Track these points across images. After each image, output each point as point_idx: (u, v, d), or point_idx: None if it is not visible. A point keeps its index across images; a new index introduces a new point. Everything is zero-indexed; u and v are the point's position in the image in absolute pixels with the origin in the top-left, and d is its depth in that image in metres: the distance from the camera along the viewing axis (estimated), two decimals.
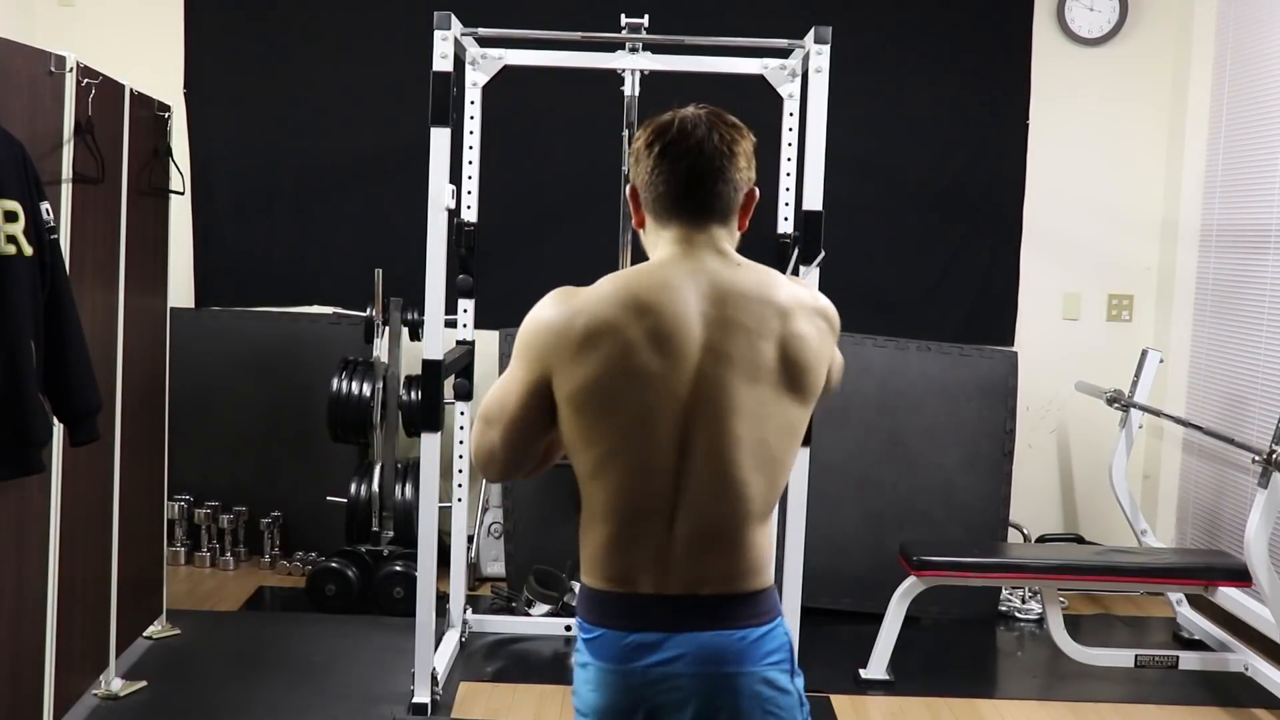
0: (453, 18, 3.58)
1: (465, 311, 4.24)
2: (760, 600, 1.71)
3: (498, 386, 1.75)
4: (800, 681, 1.74)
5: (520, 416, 1.71)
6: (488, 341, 4.68)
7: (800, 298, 1.72)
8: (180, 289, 4.87)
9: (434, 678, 3.63)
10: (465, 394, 4.29)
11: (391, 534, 4.67)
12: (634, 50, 4.03)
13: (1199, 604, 4.45)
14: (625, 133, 4.12)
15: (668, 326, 1.65)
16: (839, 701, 3.85)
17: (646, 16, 3.97)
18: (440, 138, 3.53)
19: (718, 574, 1.68)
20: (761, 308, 1.68)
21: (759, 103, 4.12)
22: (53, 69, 3.06)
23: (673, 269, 1.70)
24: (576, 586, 4.38)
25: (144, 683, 3.71)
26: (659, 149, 1.72)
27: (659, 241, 1.76)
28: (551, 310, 1.70)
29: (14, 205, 2.71)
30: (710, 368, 1.65)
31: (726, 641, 1.67)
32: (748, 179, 1.76)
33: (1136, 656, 4.00)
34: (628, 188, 1.81)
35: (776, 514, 1.78)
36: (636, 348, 1.64)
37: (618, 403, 1.65)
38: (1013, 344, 5.18)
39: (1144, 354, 4.69)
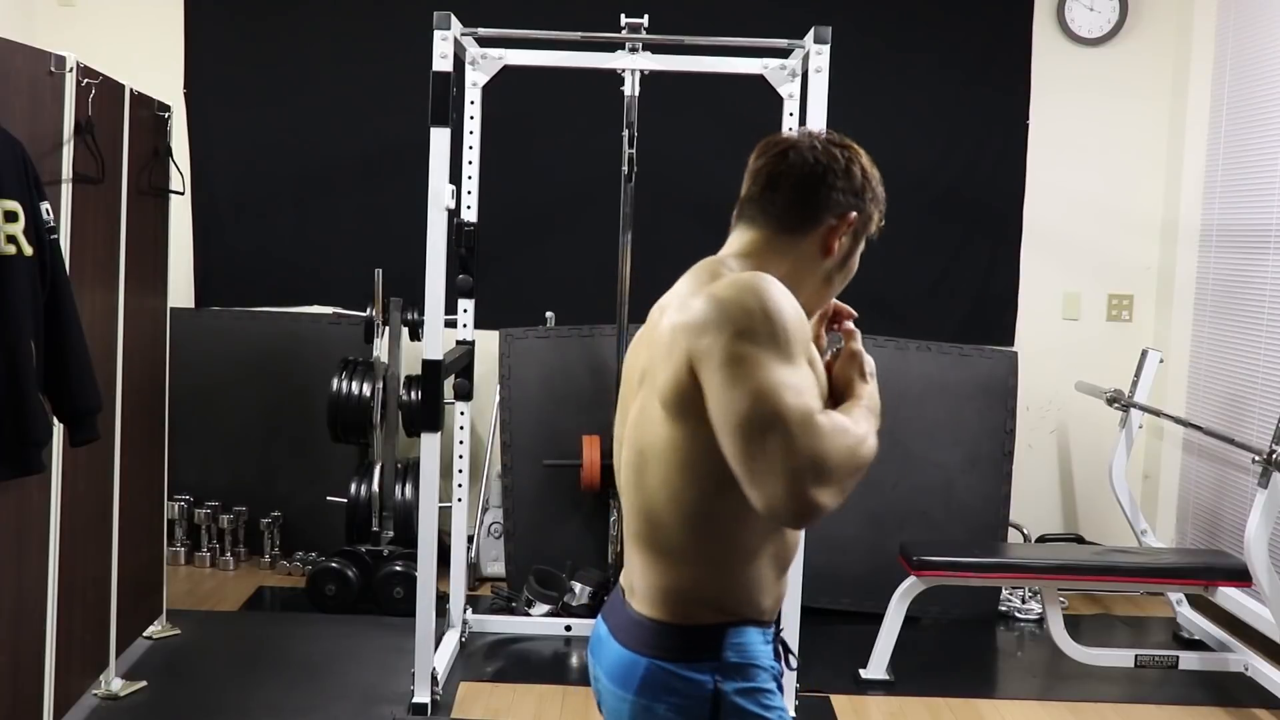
0: (453, 18, 3.58)
1: (465, 311, 4.24)
2: (639, 626, 1.64)
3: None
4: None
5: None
6: (488, 341, 4.68)
7: (682, 290, 1.59)
8: (180, 289, 4.87)
9: (434, 678, 3.63)
10: (465, 394, 4.29)
11: (391, 534, 4.67)
12: (634, 50, 4.03)
13: (1199, 604, 4.45)
14: (625, 133, 4.12)
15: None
16: (839, 701, 3.85)
17: (646, 16, 3.97)
18: (440, 138, 3.53)
19: (628, 580, 1.71)
20: (659, 314, 1.63)
21: (759, 103, 4.13)
22: (53, 69, 3.06)
23: None
24: (578, 587, 4.40)
25: (144, 683, 3.71)
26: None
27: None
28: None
29: (14, 205, 2.71)
30: (623, 387, 1.72)
31: (598, 631, 1.75)
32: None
33: (1136, 656, 4.00)
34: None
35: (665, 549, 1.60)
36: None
37: None
38: (1013, 344, 5.18)
39: (1144, 354, 4.69)
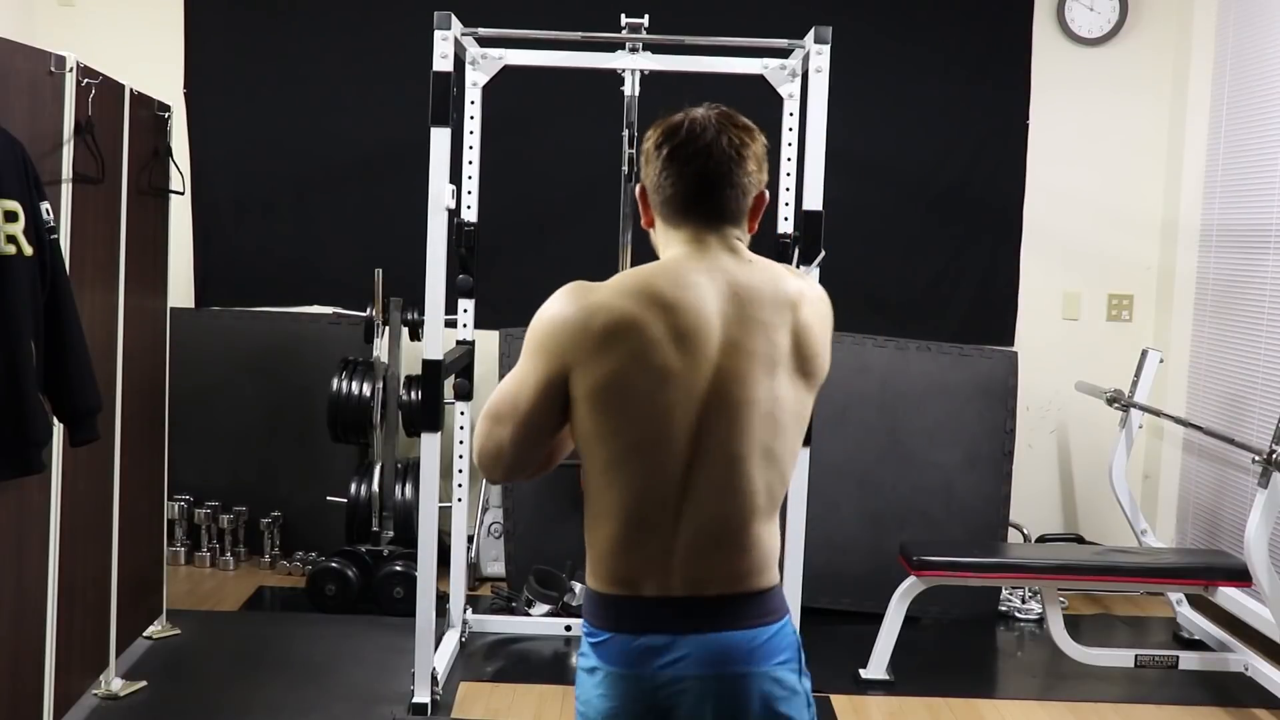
0: (453, 18, 3.58)
1: (465, 311, 4.24)
2: (768, 599, 1.71)
3: (508, 383, 1.71)
4: (808, 682, 1.74)
5: (534, 413, 1.68)
6: (488, 341, 4.68)
7: (803, 288, 1.74)
8: (180, 289, 4.86)
9: (434, 678, 3.63)
10: (465, 394, 4.29)
11: (391, 534, 4.67)
12: (634, 50, 4.03)
13: (1199, 604, 4.45)
14: (625, 133, 4.12)
15: (689, 324, 1.65)
16: (839, 701, 3.85)
17: (646, 16, 3.97)
18: (440, 138, 3.53)
19: (724, 573, 1.68)
20: (775, 302, 1.69)
21: (759, 103, 4.12)
22: (53, 69, 3.06)
23: (691, 267, 1.70)
24: (578, 587, 4.40)
25: (144, 683, 3.71)
26: (668, 151, 1.72)
27: (671, 241, 1.76)
28: (569, 305, 1.66)
29: (14, 205, 2.71)
30: (729, 365, 1.66)
31: (734, 642, 1.67)
32: (758, 182, 1.75)
33: (1136, 656, 4.00)
34: (637, 187, 1.81)
35: (778, 513, 1.77)
36: (658, 344, 1.63)
37: (637, 399, 1.64)
38: (1013, 344, 5.18)
39: (1144, 354, 4.69)
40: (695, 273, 1.69)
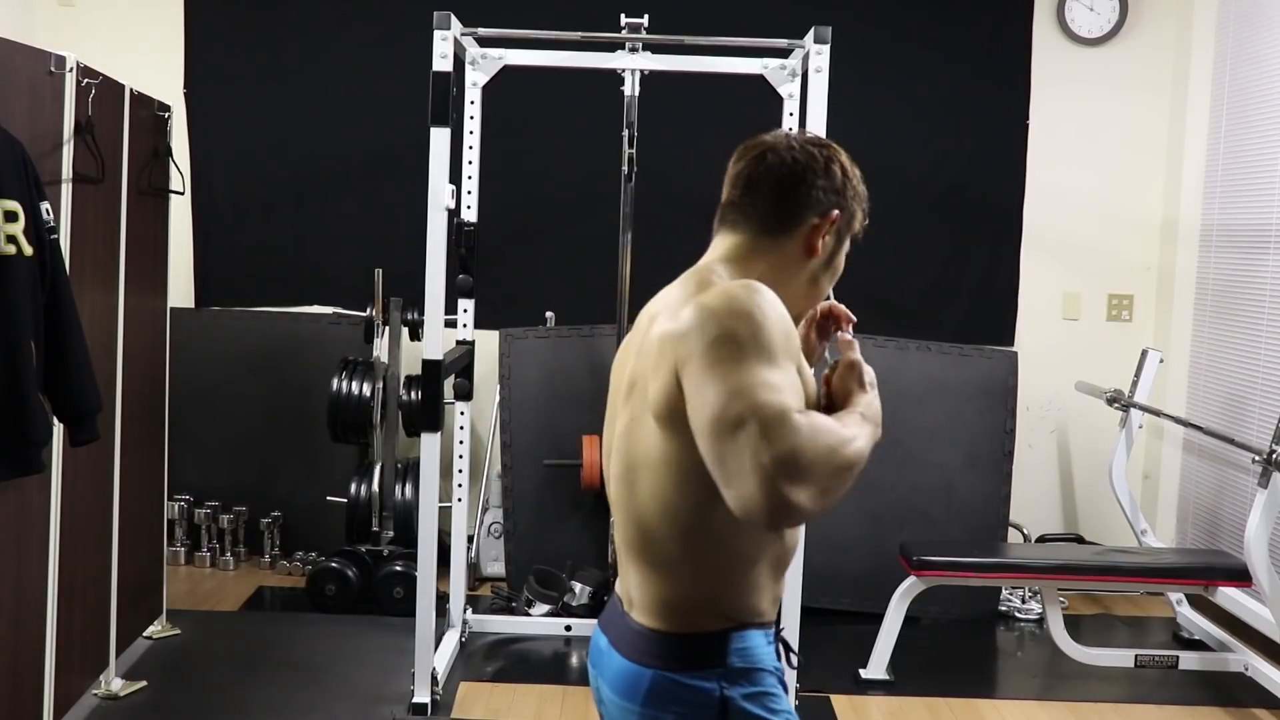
0: (453, 18, 3.58)
1: (465, 311, 4.24)
2: (639, 635, 1.63)
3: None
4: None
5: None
6: (488, 341, 4.68)
7: (674, 300, 1.57)
8: (180, 289, 4.87)
9: (434, 678, 3.63)
10: (465, 394, 4.29)
11: (391, 534, 4.67)
12: (634, 50, 4.03)
13: (1199, 604, 4.45)
14: (625, 133, 4.12)
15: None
16: (839, 701, 3.85)
17: (646, 16, 3.97)
18: (440, 138, 3.53)
19: (624, 591, 1.70)
20: (647, 322, 1.62)
21: (759, 103, 4.13)
22: (53, 69, 3.06)
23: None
24: (578, 587, 4.40)
25: (144, 683, 3.71)
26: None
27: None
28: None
29: (14, 205, 2.71)
30: (612, 395, 1.72)
31: (597, 639, 1.75)
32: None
33: (1136, 656, 4.00)
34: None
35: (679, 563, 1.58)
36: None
37: None
38: (1013, 344, 5.18)
39: (1144, 354, 4.69)
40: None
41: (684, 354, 1.46)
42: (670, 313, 1.53)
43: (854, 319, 1.80)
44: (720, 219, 1.69)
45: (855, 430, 1.50)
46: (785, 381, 1.42)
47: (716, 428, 1.39)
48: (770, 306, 1.46)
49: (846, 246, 1.70)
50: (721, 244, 1.66)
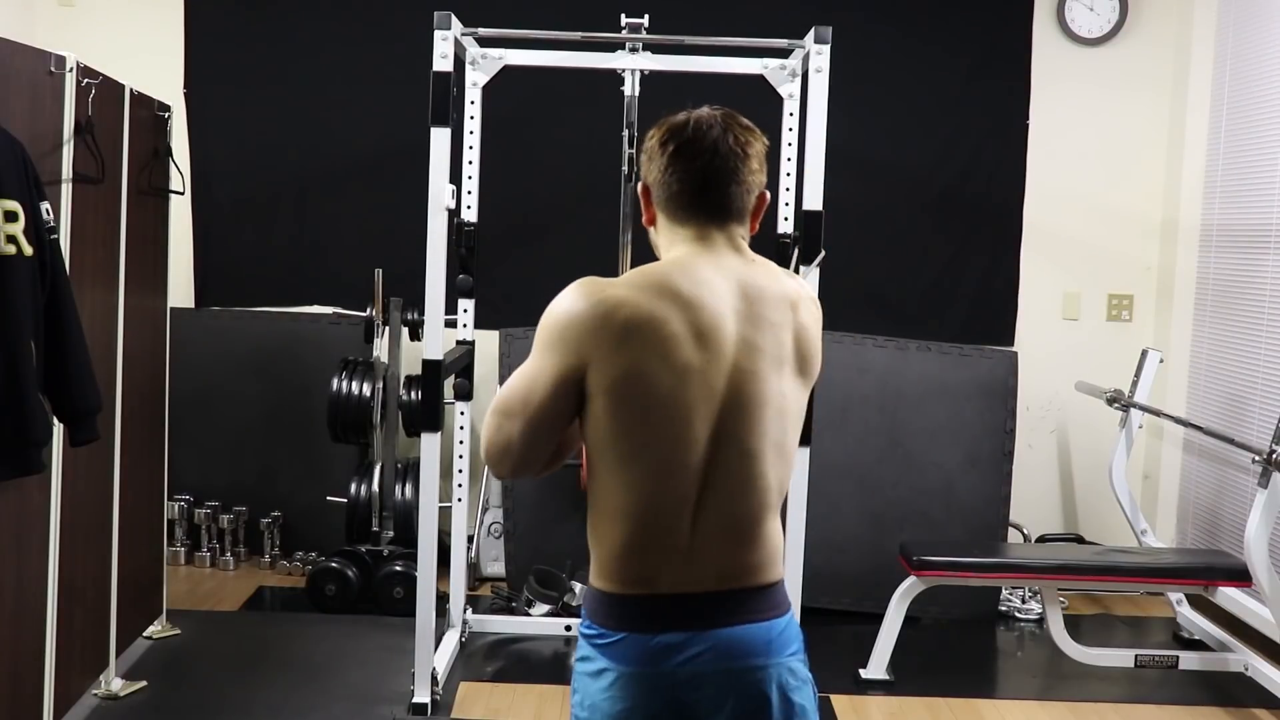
0: (453, 18, 3.58)
1: (465, 311, 4.24)
2: (778, 592, 1.74)
3: (519, 378, 1.69)
4: (809, 672, 1.78)
5: (546, 408, 1.66)
6: (488, 341, 4.68)
7: (800, 289, 1.78)
8: (180, 289, 4.86)
9: (434, 678, 3.63)
10: (465, 394, 4.29)
11: (391, 534, 4.67)
12: (634, 50, 4.03)
13: (1199, 604, 4.45)
14: (625, 133, 4.12)
15: (708, 321, 1.65)
16: (839, 701, 3.85)
17: (646, 16, 3.97)
18: (440, 138, 3.53)
19: (740, 568, 1.69)
20: (779, 301, 1.72)
21: (759, 103, 4.12)
22: (53, 69, 3.06)
23: (702, 265, 1.71)
24: (578, 587, 4.40)
25: (144, 683, 3.71)
26: (673, 149, 1.74)
27: (674, 239, 1.77)
28: (585, 300, 1.66)
29: (14, 205, 2.71)
30: (745, 362, 1.67)
31: (754, 635, 1.68)
32: (759, 181, 1.77)
33: (1136, 656, 4.00)
34: (639, 185, 1.82)
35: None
36: (679, 341, 1.64)
37: (658, 396, 1.64)
38: (1013, 344, 5.18)
39: (1144, 354, 4.69)
40: (707, 269, 1.70)
41: (820, 332, 1.81)
42: (809, 296, 1.78)
43: None
44: (716, 209, 1.78)
45: None
46: None
47: None
48: None
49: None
50: (734, 232, 1.79)
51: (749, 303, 1.69)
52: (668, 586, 1.67)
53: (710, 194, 1.74)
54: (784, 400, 1.71)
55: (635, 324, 1.63)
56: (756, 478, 1.69)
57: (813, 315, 1.77)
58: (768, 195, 1.81)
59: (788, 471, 1.75)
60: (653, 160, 1.77)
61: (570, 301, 1.67)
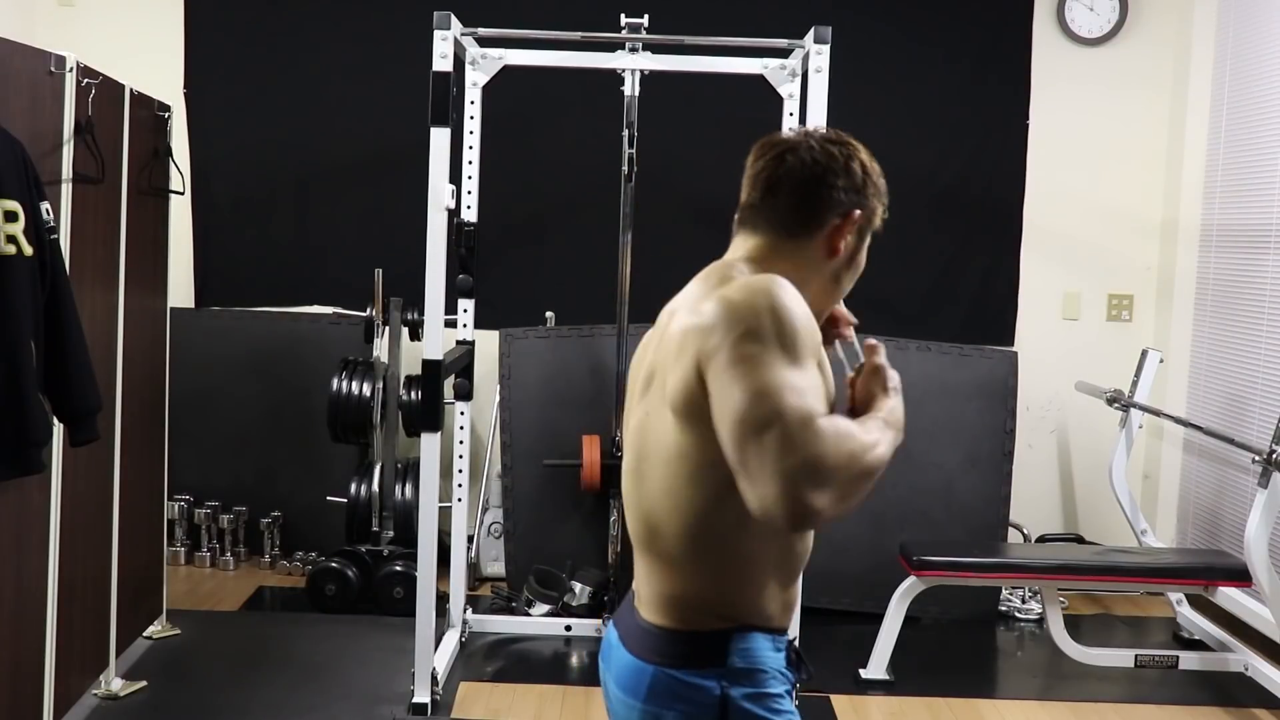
0: (453, 18, 3.58)
1: (465, 311, 4.24)
2: (646, 633, 1.64)
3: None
4: None
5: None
6: (488, 341, 4.68)
7: (696, 297, 1.56)
8: (180, 289, 4.86)
9: (434, 678, 3.63)
10: (465, 394, 4.29)
11: (391, 534, 4.67)
12: (634, 50, 4.03)
13: (1199, 604, 4.45)
14: (625, 133, 4.12)
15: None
16: (839, 701, 3.85)
17: (646, 16, 3.97)
18: (440, 138, 3.53)
19: (637, 587, 1.69)
20: (668, 316, 1.62)
21: (759, 103, 4.13)
22: (53, 69, 3.06)
23: None
24: (578, 587, 4.40)
25: (144, 683, 3.71)
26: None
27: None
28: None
29: (14, 205, 2.71)
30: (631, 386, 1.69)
31: (610, 643, 1.73)
32: None
33: (1136, 656, 4.00)
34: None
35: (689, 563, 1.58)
36: None
37: None
38: (1013, 344, 5.18)
39: (1144, 354, 4.69)
40: None
41: (708, 349, 1.45)
42: (690, 307, 1.53)
43: (855, 321, 1.80)
44: (740, 220, 1.68)
45: (877, 436, 1.48)
46: (809, 383, 1.42)
47: (741, 429, 1.39)
48: (794, 301, 1.46)
49: (867, 243, 1.70)
50: (742, 245, 1.65)
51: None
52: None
53: None
54: (643, 431, 1.59)
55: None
56: (630, 500, 1.65)
57: (680, 323, 1.53)
58: None
59: (650, 509, 1.58)
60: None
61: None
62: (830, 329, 1.78)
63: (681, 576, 1.58)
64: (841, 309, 1.79)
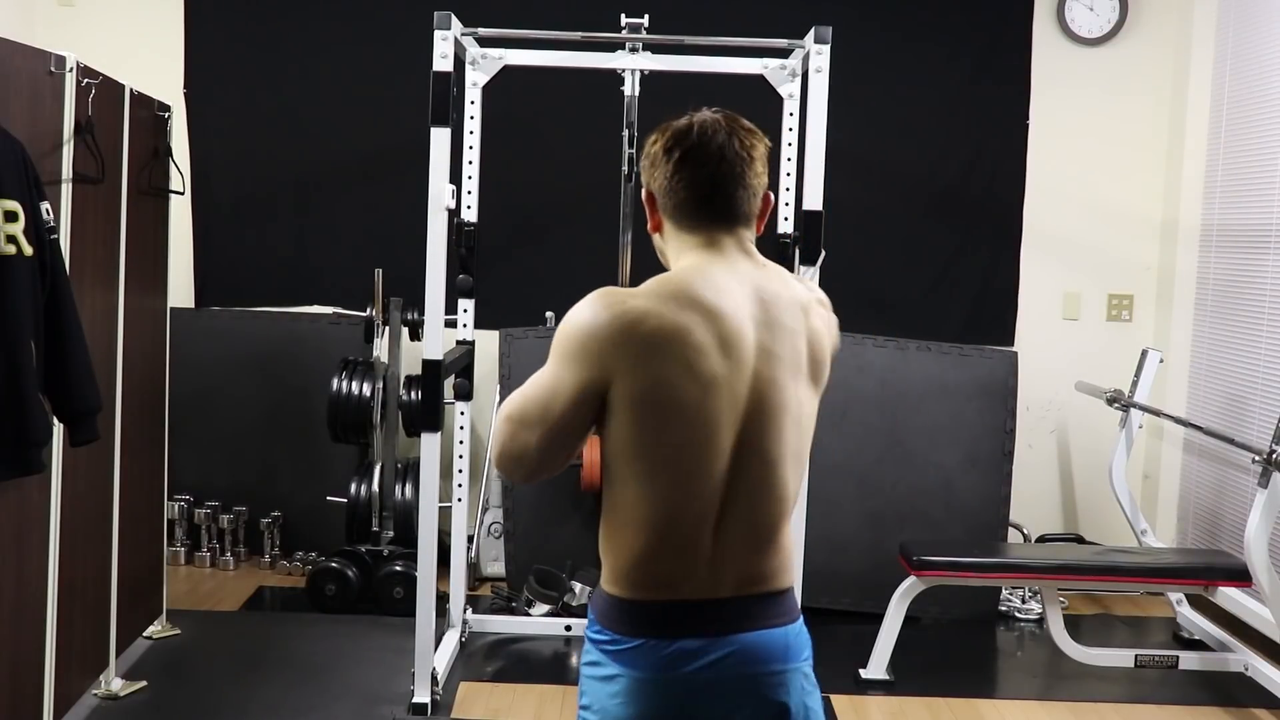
0: (453, 18, 3.58)
1: (465, 311, 4.24)
2: (791, 598, 1.75)
3: (537, 388, 1.65)
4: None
5: (566, 420, 1.64)
6: (488, 341, 4.68)
7: (810, 294, 1.78)
8: (180, 289, 4.86)
9: (434, 678, 3.63)
10: (465, 394, 4.29)
11: (391, 534, 4.67)
12: (634, 50, 4.03)
13: (1199, 604, 4.45)
14: (625, 133, 4.12)
15: (731, 329, 1.64)
16: (839, 701, 3.85)
17: (646, 16, 3.97)
18: (440, 138, 3.53)
19: (758, 574, 1.70)
20: (792, 306, 1.71)
21: (759, 103, 4.13)
22: (53, 69, 3.06)
23: (719, 272, 1.69)
24: (578, 587, 4.40)
25: (144, 683, 3.71)
26: (679, 155, 1.73)
27: (683, 246, 1.76)
28: (609, 312, 1.62)
29: (14, 205, 2.71)
30: (765, 369, 1.66)
31: (772, 640, 1.69)
32: (764, 184, 1.77)
33: (1136, 656, 4.00)
34: (643, 192, 1.82)
35: None
36: (705, 351, 1.62)
37: (684, 407, 1.62)
38: (1013, 344, 5.18)
39: (1144, 354, 4.69)
40: (725, 276, 1.69)
41: (833, 348, 1.80)
42: (821, 306, 1.78)
43: None
44: (742, 215, 1.78)
45: None
46: None
47: None
48: None
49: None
50: (746, 238, 1.79)
51: (765, 309, 1.68)
52: (688, 593, 1.67)
53: (718, 200, 1.73)
54: (800, 408, 1.70)
55: (661, 336, 1.61)
56: (777, 486, 1.69)
57: (825, 320, 1.77)
58: (772, 197, 1.80)
59: (802, 476, 1.76)
60: (656, 167, 1.76)
61: (592, 313, 1.63)
62: None
63: (788, 544, 1.74)
64: None
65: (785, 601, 1.73)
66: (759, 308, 1.68)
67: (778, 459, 1.68)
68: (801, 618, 1.76)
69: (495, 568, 4.91)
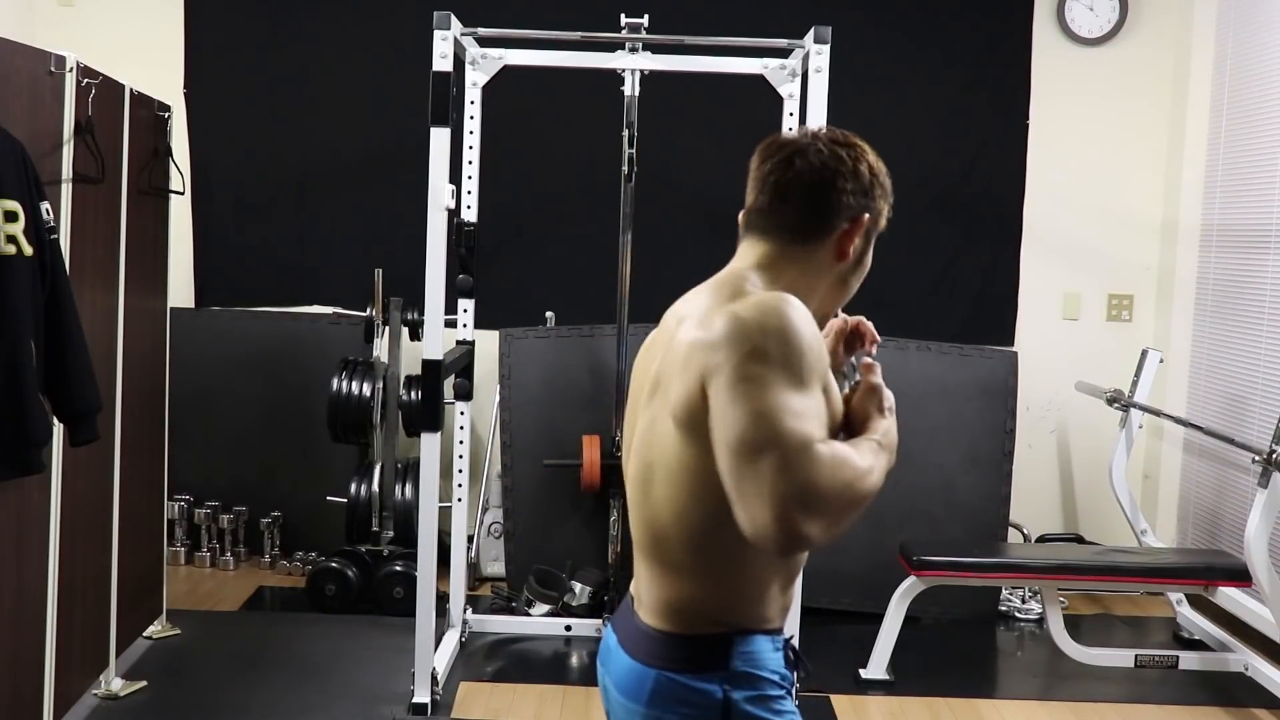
0: (453, 18, 3.58)
1: (465, 311, 4.24)
2: (651, 635, 1.64)
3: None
4: None
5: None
6: (488, 341, 4.68)
7: (703, 309, 1.54)
8: (180, 289, 4.87)
9: (434, 678, 3.63)
10: (465, 394, 4.29)
11: (391, 534, 4.67)
12: (634, 50, 4.03)
13: (1199, 604, 4.45)
14: (625, 133, 4.12)
15: None
16: (839, 701, 3.85)
17: (646, 16, 3.97)
18: (440, 138, 3.53)
19: (638, 593, 1.68)
20: (682, 321, 1.59)
21: (759, 103, 4.13)
22: (53, 69, 3.06)
23: None
24: (578, 587, 4.40)
25: (144, 683, 3.71)
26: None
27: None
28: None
29: (14, 205, 2.71)
30: (633, 388, 1.67)
31: (620, 661, 1.72)
32: None
33: (1136, 656, 4.00)
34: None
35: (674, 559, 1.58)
36: None
37: None
38: (1013, 344, 5.18)
39: (1144, 354, 4.69)
40: None
41: (713, 364, 1.44)
42: (700, 319, 1.52)
43: (879, 340, 1.79)
44: (748, 224, 1.66)
45: (871, 461, 1.49)
46: (811, 407, 1.42)
47: (738, 449, 1.38)
48: (804, 323, 1.45)
49: (873, 243, 1.70)
50: (751, 250, 1.63)
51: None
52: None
53: None
54: (647, 438, 1.58)
55: None
56: (633, 507, 1.64)
57: (690, 335, 1.51)
58: None
59: (654, 516, 1.57)
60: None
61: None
62: (856, 344, 1.78)
63: (684, 583, 1.57)
64: (868, 327, 1.79)
65: (639, 634, 1.61)
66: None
67: (631, 479, 1.64)
68: (654, 672, 1.57)
69: (495, 568, 4.91)
